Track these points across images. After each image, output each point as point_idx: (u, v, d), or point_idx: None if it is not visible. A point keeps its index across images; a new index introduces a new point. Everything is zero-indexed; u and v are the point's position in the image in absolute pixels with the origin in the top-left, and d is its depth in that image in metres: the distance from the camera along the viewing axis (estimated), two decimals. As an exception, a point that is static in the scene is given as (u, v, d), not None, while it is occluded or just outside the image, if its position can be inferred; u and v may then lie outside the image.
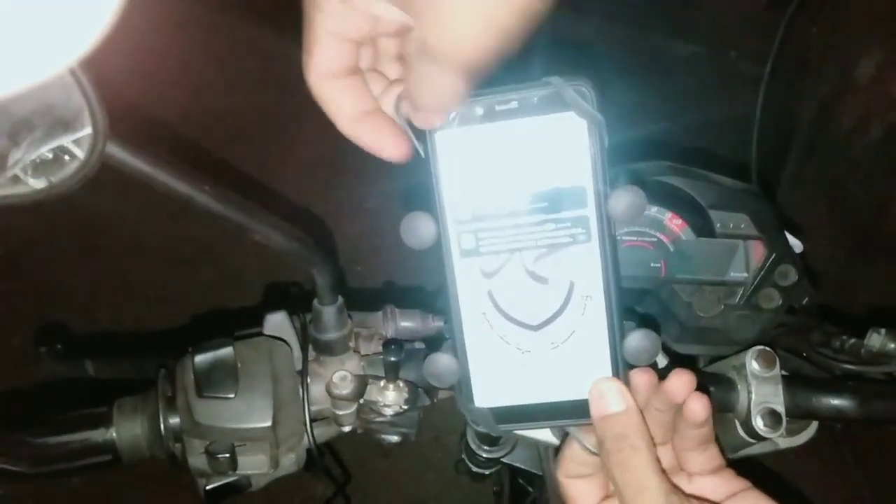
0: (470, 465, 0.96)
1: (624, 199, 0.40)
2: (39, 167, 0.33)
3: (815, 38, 1.49)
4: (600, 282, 0.43)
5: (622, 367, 0.44)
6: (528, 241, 0.42)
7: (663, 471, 0.42)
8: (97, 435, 0.45)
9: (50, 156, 0.33)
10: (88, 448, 0.45)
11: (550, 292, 0.43)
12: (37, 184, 0.33)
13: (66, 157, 0.33)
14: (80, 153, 0.33)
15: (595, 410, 0.44)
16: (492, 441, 0.87)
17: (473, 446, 0.90)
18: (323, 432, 0.51)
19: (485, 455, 0.90)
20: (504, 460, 0.89)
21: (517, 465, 0.90)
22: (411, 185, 0.43)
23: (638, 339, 0.44)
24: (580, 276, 0.43)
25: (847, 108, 1.38)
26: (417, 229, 0.42)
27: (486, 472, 0.97)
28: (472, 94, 0.40)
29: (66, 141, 0.33)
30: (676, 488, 0.42)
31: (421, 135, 0.41)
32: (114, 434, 0.45)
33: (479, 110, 0.40)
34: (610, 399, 0.43)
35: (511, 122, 0.40)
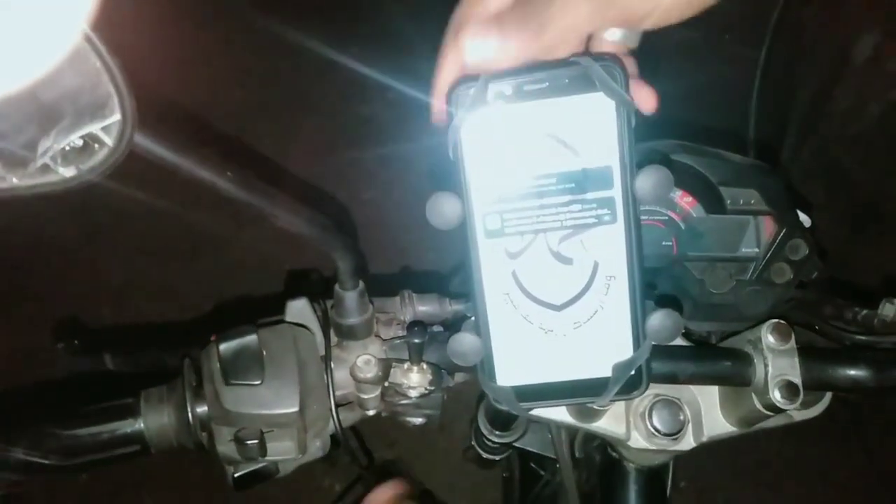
0: (480, 451, 0.96)
1: (651, 180, 0.41)
2: (69, 155, 0.33)
3: (811, 19, 1.49)
4: (624, 262, 0.43)
5: (644, 347, 0.44)
6: (554, 222, 0.42)
7: None
8: (125, 426, 0.45)
9: (79, 143, 0.33)
10: (117, 439, 0.45)
11: (574, 272, 0.44)
12: (66, 172, 0.33)
13: (96, 145, 0.33)
14: (109, 140, 0.33)
15: None
16: (504, 426, 0.88)
17: (485, 431, 0.90)
18: (348, 416, 0.51)
19: (496, 440, 0.90)
20: (515, 444, 0.90)
21: (529, 448, 0.90)
22: (436, 164, 0.43)
23: (660, 319, 0.44)
24: (604, 257, 0.43)
25: (844, 87, 1.38)
26: (443, 210, 0.42)
27: (497, 457, 0.97)
28: (500, 74, 0.40)
29: (95, 128, 0.33)
30: None
31: (449, 115, 0.41)
32: (142, 424, 0.45)
33: (508, 90, 0.40)
34: None
35: (539, 102, 0.40)
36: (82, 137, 0.33)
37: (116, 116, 0.33)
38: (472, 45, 0.40)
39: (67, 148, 0.33)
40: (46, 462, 0.43)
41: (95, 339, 0.62)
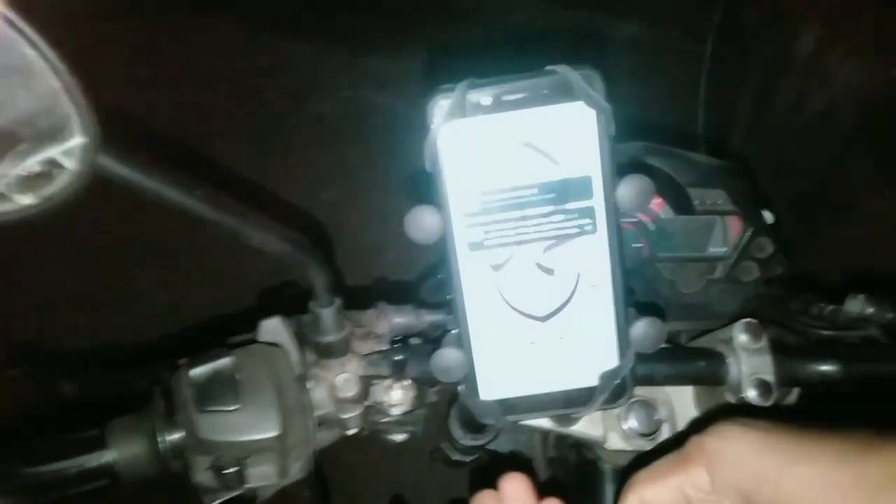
0: (449, 453, 0.96)
1: (632, 189, 0.40)
2: (26, 182, 0.31)
3: (754, 16, 1.53)
4: (607, 271, 0.43)
5: (629, 355, 0.44)
6: (536, 233, 0.42)
7: None
8: (93, 459, 0.43)
9: (38, 169, 0.31)
10: (85, 473, 0.43)
11: (557, 283, 0.43)
12: (24, 199, 0.31)
13: (54, 170, 0.31)
14: (71, 164, 0.31)
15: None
16: (477, 429, 0.87)
17: (457, 435, 0.89)
18: (327, 436, 0.50)
19: (468, 443, 0.90)
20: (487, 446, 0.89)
21: (501, 450, 0.90)
22: (414, 176, 0.42)
23: (644, 327, 0.44)
24: (587, 267, 0.43)
25: (788, 82, 1.42)
26: (422, 223, 0.41)
27: (468, 459, 0.97)
28: (478, 84, 0.39)
29: (54, 152, 0.30)
30: None
31: (427, 126, 0.40)
32: (111, 456, 0.43)
33: (487, 100, 0.39)
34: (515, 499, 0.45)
35: (518, 112, 0.39)
36: (40, 163, 0.31)
37: (78, 139, 0.31)
38: None
39: (25, 174, 0.31)
40: (9, 502, 0.40)
41: (51, 364, 0.59)
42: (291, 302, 0.49)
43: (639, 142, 0.66)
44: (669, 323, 0.66)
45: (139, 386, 0.47)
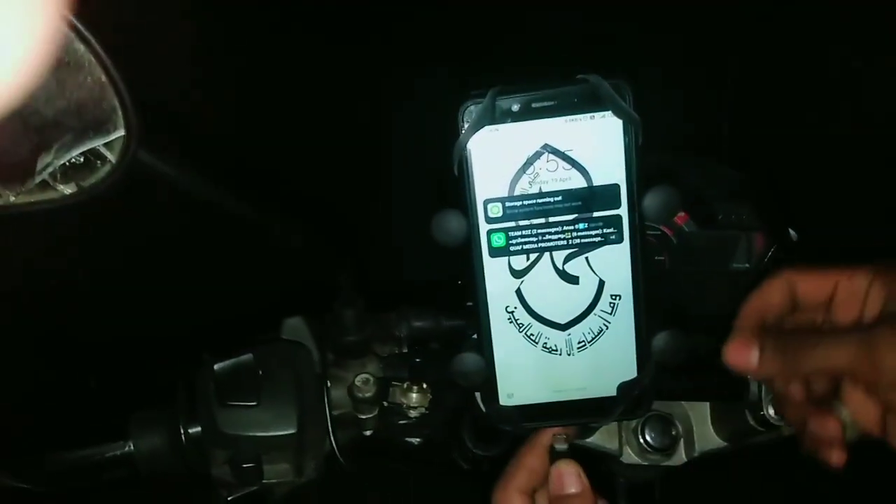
0: (461, 462, 0.95)
1: (659, 200, 0.40)
2: (69, 171, 0.32)
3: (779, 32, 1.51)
4: (631, 281, 0.43)
5: (650, 367, 0.44)
6: (560, 240, 0.42)
7: None
8: (114, 448, 0.44)
9: (80, 160, 0.32)
10: (105, 463, 0.43)
11: (580, 291, 0.43)
12: (66, 189, 0.32)
13: (98, 162, 0.32)
14: (112, 156, 0.32)
15: (553, 489, 0.46)
16: (490, 440, 0.87)
17: (469, 444, 0.89)
18: (344, 437, 0.50)
19: (480, 453, 0.90)
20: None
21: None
22: (441, 181, 0.42)
23: (665, 339, 0.44)
24: (610, 276, 0.43)
25: (818, 97, 1.40)
26: (448, 227, 0.41)
27: (478, 468, 0.97)
28: (508, 91, 0.40)
29: (97, 144, 0.31)
30: None
31: (456, 131, 0.40)
32: (131, 447, 0.44)
33: (515, 106, 0.40)
34: (569, 481, 0.45)
35: (547, 120, 0.40)
36: (84, 154, 0.32)
37: (120, 132, 0.31)
38: None
39: (68, 164, 0.32)
40: (31, 488, 0.41)
41: (74, 357, 0.60)
42: (315, 302, 0.50)
43: (666, 152, 0.66)
44: (691, 338, 0.66)
45: (162, 380, 0.48)
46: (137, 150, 0.32)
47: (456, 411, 0.52)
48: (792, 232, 0.67)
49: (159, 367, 0.49)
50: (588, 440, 0.63)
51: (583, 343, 0.44)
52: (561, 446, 0.46)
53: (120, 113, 0.31)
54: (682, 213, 0.65)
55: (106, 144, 0.32)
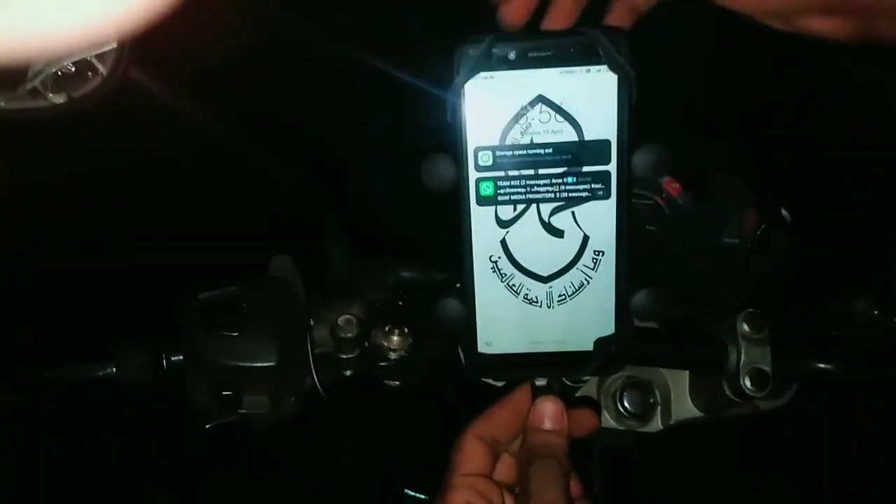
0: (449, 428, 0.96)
1: (649, 157, 0.41)
2: (60, 81, 0.32)
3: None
4: (614, 238, 0.43)
5: (627, 325, 0.45)
6: (547, 193, 0.42)
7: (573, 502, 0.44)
8: (97, 368, 0.44)
9: (72, 69, 0.32)
10: (89, 382, 0.44)
11: (564, 245, 0.44)
12: (57, 98, 0.32)
13: (89, 73, 0.32)
14: (103, 69, 0.32)
15: (532, 420, 0.46)
16: (471, 396, 0.88)
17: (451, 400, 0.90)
18: (325, 375, 0.51)
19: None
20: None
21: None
22: (434, 125, 0.42)
23: (645, 297, 0.44)
24: (595, 232, 0.43)
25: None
26: (438, 172, 0.41)
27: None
28: (505, 38, 0.40)
29: (89, 54, 0.32)
30: None
31: (451, 75, 0.40)
32: (114, 369, 0.45)
33: (512, 54, 0.40)
34: (549, 417, 0.45)
35: (542, 70, 0.40)
36: (75, 63, 0.32)
37: (112, 44, 0.32)
38: None
39: (59, 73, 0.32)
40: (12, 400, 0.42)
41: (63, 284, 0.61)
42: (303, 241, 0.50)
43: (662, 124, 0.66)
44: (674, 308, 0.67)
45: (149, 310, 0.48)
46: (127, 65, 0.32)
47: (439, 364, 0.53)
48: (785, 212, 0.67)
49: (148, 298, 0.50)
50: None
51: (563, 297, 0.44)
52: (541, 382, 0.47)
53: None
54: (676, 185, 0.66)
55: (98, 56, 0.32)
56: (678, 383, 0.65)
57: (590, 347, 0.45)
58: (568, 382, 0.60)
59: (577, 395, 0.64)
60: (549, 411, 0.45)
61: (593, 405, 0.60)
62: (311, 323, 0.48)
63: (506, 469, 0.48)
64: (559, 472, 0.43)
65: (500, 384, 0.56)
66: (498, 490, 0.46)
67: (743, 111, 0.76)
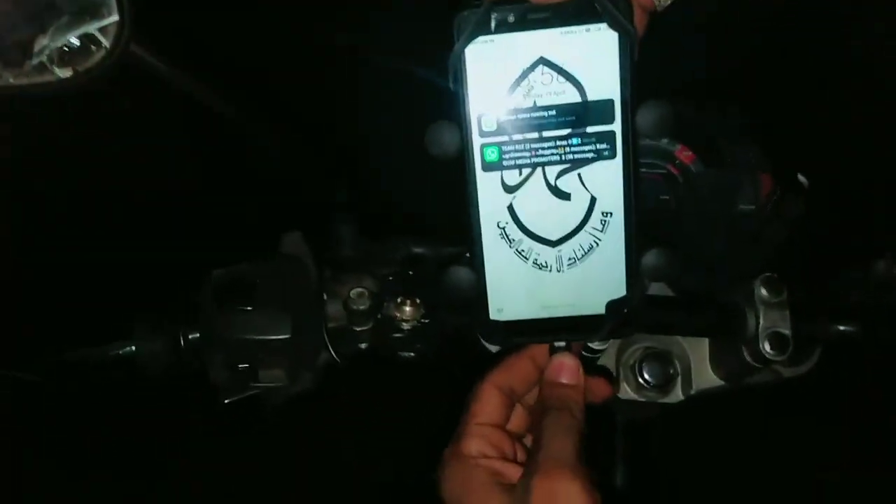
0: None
1: (653, 114, 0.40)
2: (65, 56, 0.33)
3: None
4: (621, 199, 0.43)
5: (638, 286, 0.44)
6: (553, 156, 0.42)
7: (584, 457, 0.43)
8: (117, 348, 0.45)
9: (76, 44, 0.33)
10: (109, 362, 0.45)
11: (571, 208, 0.43)
12: (62, 73, 0.33)
13: (93, 47, 0.33)
14: (106, 42, 0.33)
15: (548, 374, 0.46)
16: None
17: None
18: (341, 349, 0.51)
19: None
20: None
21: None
22: (437, 92, 0.42)
23: (655, 257, 0.44)
24: (602, 193, 0.43)
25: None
26: (442, 139, 0.42)
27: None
28: (504, 1, 0.40)
29: (92, 28, 0.32)
30: (591, 478, 0.42)
31: (452, 41, 0.40)
32: (133, 348, 0.46)
33: (511, 17, 0.40)
34: (566, 371, 0.45)
35: (543, 31, 0.40)
36: (80, 38, 0.33)
37: (115, 17, 0.32)
38: None
39: (65, 48, 0.33)
40: (39, 381, 0.43)
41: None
42: (314, 218, 0.51)
43: (671, 92, 0.65)
44: (691, 277, 0.66)
45: (165, 289, 0.49)
46: (131, 39, 0.33)
47: (453, 334, 0.53)
48: (802, 178, 0.66)
49: (162, 278, 0.51)
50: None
51: (573, 260, 0.44)
52: (560, 345, 0.47)
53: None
54: (689, 153, 0.65)
55: (100, 30, 0.33)
56: (698, 352, 0.65)
57: (602, 311, 0.45)
58: (585, 353, 0.60)
59: (596, 365, 0.64)
60: (566, 366, 0.45)
61: (608, 375, 0.60)
62: (325, 297, 0.49)
63: (519, 420, 0.48)
64: (572, 424, 0.43)
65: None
66: (511, 442, 0.46)
67: (756, 76, 0.75)
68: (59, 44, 0.32)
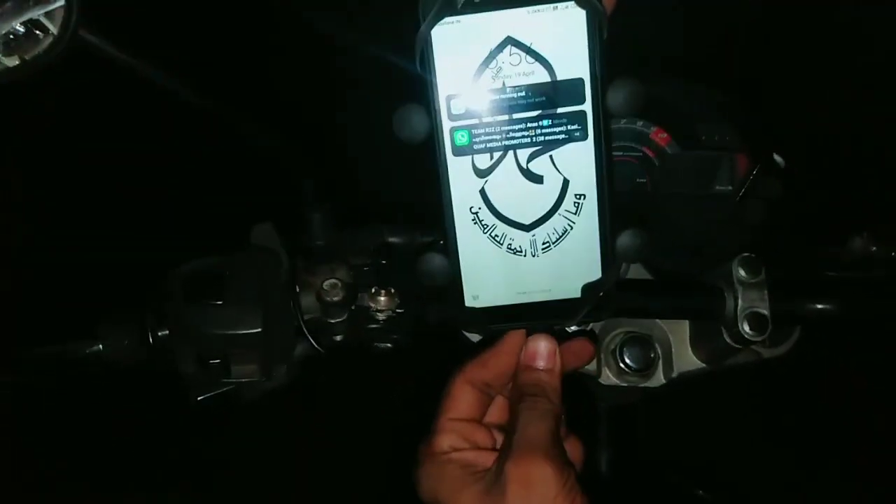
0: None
1: (622, 93, 0.40)
2: (12, 44, 0.31)
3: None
4: (594, 181, 0.42)
5: (614, 268, 0.44)
6: (523, 138, 0.41)
7: (560, 441, 0.43)
8: (84, 346, 0.44)
9: (21, 30, 0.31)
10: (76, 360, 0.44)
11: (544, 191, 0.43)
12: (8, 62, 0.32)
13: (40, 34, 0.32)
14: (54, 28, 0.31)
15: (524, 359, 0.45)
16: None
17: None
18: (315, 342, 0.50)
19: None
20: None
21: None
22: (405, 75, 0.41)
23: (629, 238, 0.43)
24: (575, 175, 0.42)
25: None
26: (411, 122, 0.41)
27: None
28: None
29: (37, 13, 0.31)
30: (567, 462, 0.42)
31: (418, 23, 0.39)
32: (101, 344, 0.44)
33: None
34: (541, 356, 0.45)
35: (509, 11, 0.39)
36: (25, 24, 0.31)
37: (61, 2, 0.31)
38: None
39: (10, 35, 0.31)
40: (4, 380, 0.42)
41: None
42: (286, 208, 0.50)
43: (646, 71, 0.65)
44: (669, 259, 0.66)
45: (132, 284, 0.48)
46: (79, 24, 0.31)
47: (430, 323, 0.52)
48: (778, 158, 0.66)
49: (129, 272, 0.50)
50: (566, 361, 0.64)
51: (547, 244, 0.44)
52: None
53: (60, -19, 0.31)
54: (664, 135, 0.65)
55: (47, 15, 0.31)
56: (678, 335, 0.65)
57: (578, 294, 0.44)
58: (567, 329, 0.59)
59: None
60: (541, 349, 0.45)
61: (590, 336, 0.59)
62: (298, 289, 0.48)
63: (499, 410, 0.48)
64: (548, 409, 0.43)
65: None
66: (486, 433, 0.46)
67: (733, 55, 0.75)
68: (3, 31, 0.31)
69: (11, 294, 0.65)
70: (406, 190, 0.50)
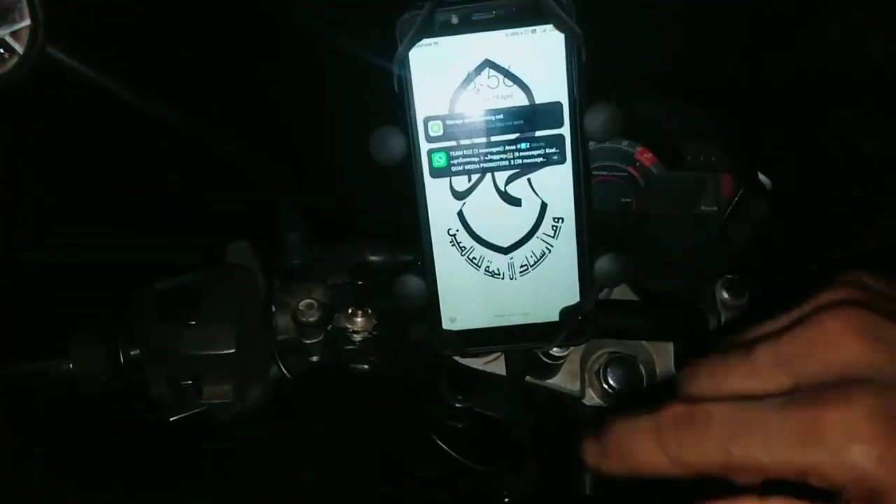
0: (443, 418, 0.95)
1: (601, 117, 0.39)
2: (-24, 63, 0.31)
3: None
4: (572, 204, 0.42)
5: (592, 292, 0.43)
6: (502, 161, 0.41)
7: None
8: (53, 366, 0.44)
9: (-13, 51, 0.31)
10: (45, 380, 0.43)
11: (522, 214, 0.42)
12: (-27, 81, 0.31)
13: (5, 53, 0.31)
14: (20, 47, 0.31)
15: None
16: (464, 389, 0.87)
17: (444, 397, 0.89)
18: (291, 363, 0.50)
19: (458, 404, 0.89)
20: (478, 409, 0.89)
21: (492, 413, 0.90)
22: (382, 96, 0.41)
23: (608, 262, 0.43)
24: (553, 198, 0.42)
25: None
26: (388, 144, 0.40)
27: (460, 424, 0.97)
28: (447, 2, 0.38)
29: (3, 34, 0.31)
30: None
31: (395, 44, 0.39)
32: (70, 364, 0.44)
33: (455, 19, 0.39)
34: None
35: (486, 33, 0.38)
36: (-10, 44, 0.31)
37: (26, 22, 0.31)
38: None
39: (-26, 55, 0.31)
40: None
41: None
42: (262, 226, 0.49)
43: (632, 89, 0.65)
44: (654, 280, 0.65)
45: (104, 301, 0.47)
46: (44, 42, 0.31)
47: (408, 345, 0.51)
48: (763, 178, 0.66)
49: (100, 290, 0.49)
50: (549, 381, 0.63)
51: (525, 267, 0.43)
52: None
53: (25, 2, 0.30)
54: (650, 155, 0.64)
55: (13, 35, 0.31)
56: (664, 356, 0.64)
57: (556, 317, 0.44)
58: (546, 360, 0.59)
59: (559, 373, 0.63)
60: None
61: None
62: (273, 310, 0.47)
63: None
64: None
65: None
66: None
67: (717, 74, 0.74)
68: (-34, 51, 0.30)
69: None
70: (387, 207, 0.50)
